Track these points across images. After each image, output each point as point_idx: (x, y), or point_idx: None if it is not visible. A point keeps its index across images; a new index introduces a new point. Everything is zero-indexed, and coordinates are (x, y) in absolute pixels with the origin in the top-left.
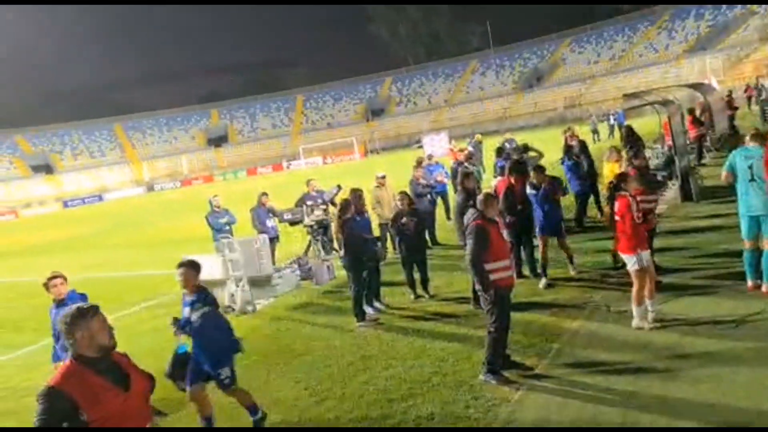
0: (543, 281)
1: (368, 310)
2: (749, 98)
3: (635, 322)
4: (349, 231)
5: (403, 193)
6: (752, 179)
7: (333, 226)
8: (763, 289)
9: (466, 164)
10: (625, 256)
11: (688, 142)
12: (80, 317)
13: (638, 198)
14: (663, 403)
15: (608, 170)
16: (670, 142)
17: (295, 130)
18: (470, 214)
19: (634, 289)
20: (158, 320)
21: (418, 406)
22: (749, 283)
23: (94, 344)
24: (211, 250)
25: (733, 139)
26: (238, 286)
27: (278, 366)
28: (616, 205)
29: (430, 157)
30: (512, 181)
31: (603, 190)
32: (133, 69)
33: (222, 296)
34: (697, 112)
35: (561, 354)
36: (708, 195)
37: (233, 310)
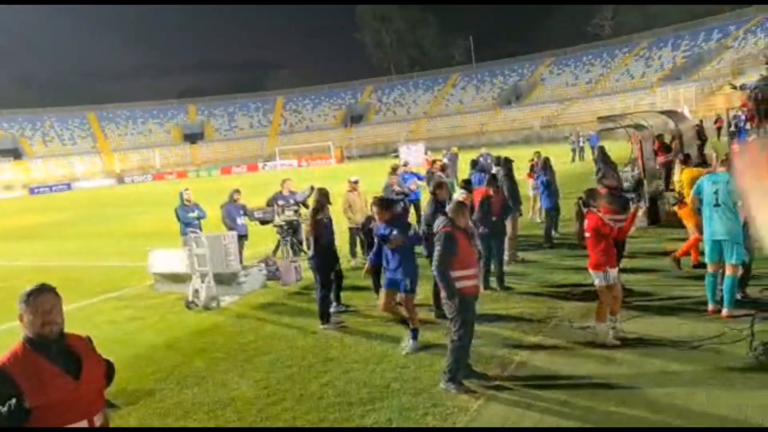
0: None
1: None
2: (719, 129)
3: (598, 339)
4: (322, 232)
5: (377, 199)
6: (717, 204)
7: (303, 228)
8: (723, 313)
9: (439, 174)
10: (592, 273)
11: (657, 167)
12: (29, 297)
13: (607, 217)
14: (620, 420)
15: (686, 176)
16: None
17: (273, 131)
18: (440, 221)
19: (599, 306)
20: (118, 312)
21: (377, 411)
22: (710, 306)
23: (37, 326)
24: (178, 245)
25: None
26: (203, 281)
27: (239, 364)
28: (586, 222)
29: (405, 164)
30: (490, 192)
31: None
32: (113, 60)
33: (186, 291)
34: (667, 139)
35: (522, 366)
36: (674, 220)
37: (197, 305)
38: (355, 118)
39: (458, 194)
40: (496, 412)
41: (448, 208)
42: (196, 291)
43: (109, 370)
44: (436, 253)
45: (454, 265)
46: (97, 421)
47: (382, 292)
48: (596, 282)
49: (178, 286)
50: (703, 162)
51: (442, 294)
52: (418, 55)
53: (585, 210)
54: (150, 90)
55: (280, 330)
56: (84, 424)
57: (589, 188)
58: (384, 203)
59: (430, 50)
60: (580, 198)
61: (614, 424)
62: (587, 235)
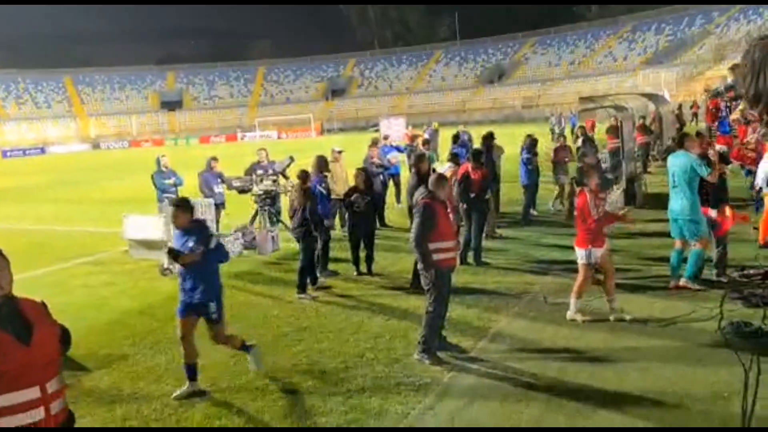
0: None
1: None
2: (695, 114)
3: (570, 314)
4: (310, 200)
5: (361, 170)
6: (674, 185)
7: (287, 196)
8: (681, 282)
9: (421, 148)
10: (577, 249)
11: (635, 148)
12: None
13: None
14: (589, 391)
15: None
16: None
17: (253, 101)
18: (419, 193)
19: (577, 281)
20: (92, 277)
21: (350, 380)
22: (671, 281)
23: None
24: (154, 211)
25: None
26: None
27: None
28: (576, 200)
29: (386, 137)
30: (469, 168)
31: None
32: (90, 23)
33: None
34: (648, 121)
35: (495, 339)
36: (650, 201)
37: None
38: (337, 92)
39: (446, 167)
40: (468, 383)
41: (429, 180)
42: None
43: (64, 335)
44: (414, 224)
45: (432, 237)
46: (50, 388)
47: (178, 320)
48: (579, 259)
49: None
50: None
51: (419, 265)
52: (403, 31)
53: (578, 188)
54: (128, 55)
55: (255, 299)
56: (36, 390)
57: (581, 166)
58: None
59: (414, 26)
60: (574, 178)
61: (584, 396)
62: (576, 213)
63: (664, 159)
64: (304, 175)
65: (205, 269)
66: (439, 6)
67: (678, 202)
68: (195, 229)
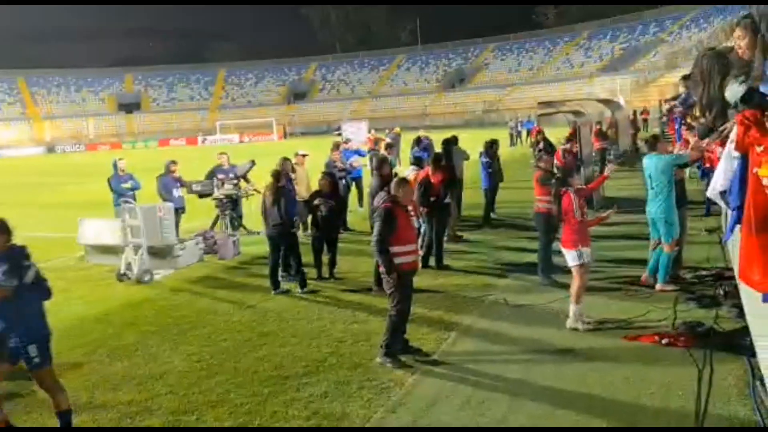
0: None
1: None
2: (645, 120)
3: (570, 322)
4: (284, 199)
5: (326, 174)
6: (651, 187)
7: (248, 200)
8: (657, 287)
9: (384, 152)
10: (566, 252)
11: (592, 153)
12: None
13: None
14: (550, 392)
15: None
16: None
17: (214, 104)
18: (380, 197)
19: (574, 286)
20: None
21: (312, 385)
22: (644, 275)
23: None
24: (111, 215)
25: (635, 156)
26: (136, 254)
27: (171, 337)
28: (562, 201)
29: (347, 141)
30: (430, 172)
31: None
32: (46, 22)
33: (118, 263)
34: (604, 127)
35: (457, 341)
36: (607, 204)
37: (129, 278)
38: (299, 95)
39: (409, 170)
40: (431, 386)
41: (391, 184)
42: (129, 263)
43: None
44: (375, 228)
45: (393, 241)
46: None
47: None
48: (569, 261)
49: (109, 258)
50: (636, 150)
51: (381, 269)
52: (365, 35)
53: (562, 190)
54: (84, 56)
55: (216, 304)
56: None
57: (563, 169)
58: None
59: (376, 30)
60: (558, 178)
61: (545, 397)
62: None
63: (620, 163)
64: (277, 174)
65: (22, 306)
66: (401, 11)
67: (655, 204)
68: (8, 256)
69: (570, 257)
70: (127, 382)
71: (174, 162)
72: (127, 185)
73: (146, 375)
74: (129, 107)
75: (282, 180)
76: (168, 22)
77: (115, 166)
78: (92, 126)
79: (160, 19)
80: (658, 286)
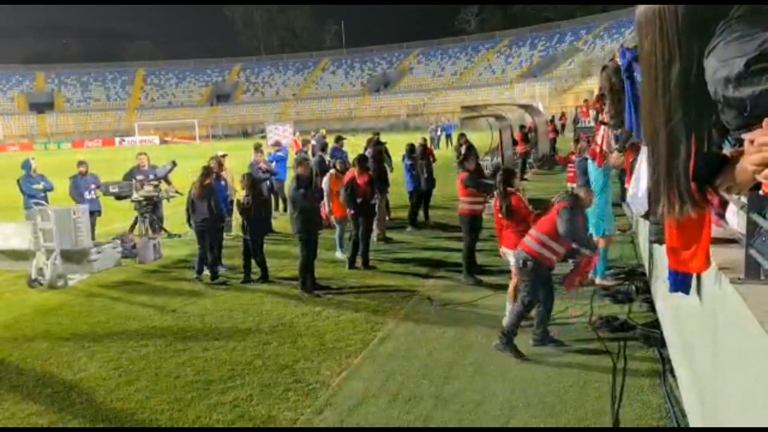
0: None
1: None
2: (563, 125)
3: (506, 321)
4: (213, 195)
5: (247, 176)
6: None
7: (170, 202)
8: (597, 281)
9: (320, 153)
10: (507, 252)
11: (515, 156)
12: None
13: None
14: (474, 388)
15: None
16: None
17: (132, 105)
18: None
19: (512, 285)
20: None
21: (237, 388)
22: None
23: None
24: (21, 218)
25: (552, 160)
26: (49, 258)
27: (87, 344)
28: (510, 202)
29: (277, 143)
30: (355, 173)
31: None
32: None
33: (28, 269)
34: (526, 131)
35: (383, 341)
36: (535, 206)
37: (41, 284)
38: (222, 97)
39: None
40: (357, 386)
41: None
42: (41, 269)
43: None
44: (570, 226)
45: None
46: None
47: None
48: (510, 260)
49: (19, 264)
50: (555, 154)
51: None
52: (289, 37)
53: (509, 190)
54: None
55: (135, 309)
56: None
57: (506, 169)
58: None
59: (300, 32)
60: (503, 180)
61: (469, 394)
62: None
63: (540, 166)
64: (207, 171)
65: None
66: (326, 13)
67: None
68: None
69: (511, 257)
70: (39, 392)
71: (82, 162)
72: (39, 186)
73: (60, 383)
74: (41, 107)
75: (211, 176)
76: (82, 20)
77: (26, 166)
78: (1, 126)
79: (73, 17)
80: (597, 281)
